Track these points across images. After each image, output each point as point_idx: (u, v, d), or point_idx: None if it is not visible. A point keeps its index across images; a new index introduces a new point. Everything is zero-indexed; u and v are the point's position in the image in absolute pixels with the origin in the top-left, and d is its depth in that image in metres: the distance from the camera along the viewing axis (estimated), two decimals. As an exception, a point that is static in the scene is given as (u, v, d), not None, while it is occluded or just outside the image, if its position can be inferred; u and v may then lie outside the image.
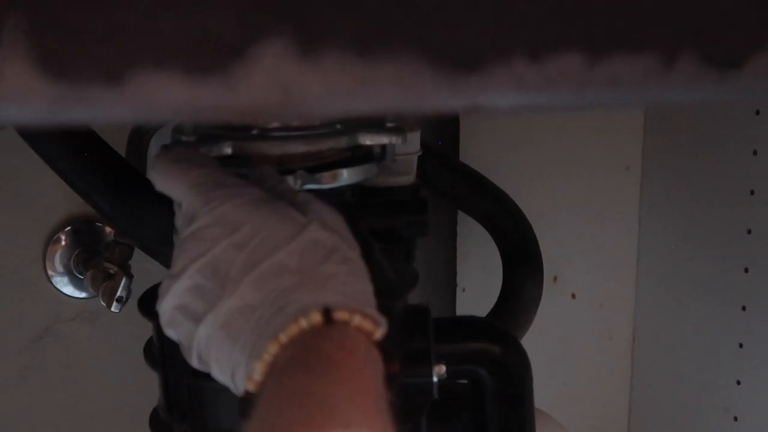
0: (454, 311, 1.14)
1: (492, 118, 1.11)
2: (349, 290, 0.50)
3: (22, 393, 1.03)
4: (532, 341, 1.06)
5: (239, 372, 0.49)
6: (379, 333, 0.49)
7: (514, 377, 0.74)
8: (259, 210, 0.52)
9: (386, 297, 0.66)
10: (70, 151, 0.71)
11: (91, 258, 0.99)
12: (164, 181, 0.55)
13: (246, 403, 0.47)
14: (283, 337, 0.47)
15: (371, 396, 0.45)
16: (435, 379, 0.69)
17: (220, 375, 0.51)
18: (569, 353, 1.23)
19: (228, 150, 0.61)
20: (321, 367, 0.44)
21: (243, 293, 0.50)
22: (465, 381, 0.77)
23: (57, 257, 1.02)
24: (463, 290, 1.15)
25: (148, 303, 0.66)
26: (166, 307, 0.52)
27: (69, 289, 1.03)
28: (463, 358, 0.73)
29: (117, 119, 0.32)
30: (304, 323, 0.47)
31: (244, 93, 0.32)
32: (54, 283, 1.02)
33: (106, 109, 0.31)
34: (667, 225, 1.18)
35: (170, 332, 0.53)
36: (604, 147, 1.17)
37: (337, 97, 0.33)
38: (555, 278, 1.19)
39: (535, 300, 0.98)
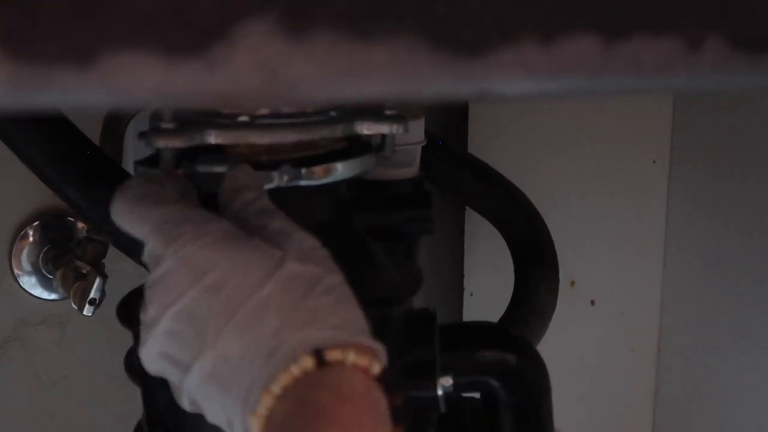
0: (461, 317, 1.14)
1: (502, 105, 1.11)
2: (337, 322, 0.51)
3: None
4: (546, 352, 1.06)
5: (237, 425, 0.51)
6: (378, 367, 0.50)
7: (531, 388, 0.74)
8: (228, 248, 0.52)
9: (388, 302, 0.67)
10: (39, 138, 0.71)
11: (62, 255, 0.99)
12: (125, 222, 0.55)
13: None
14: (276, 389, 0.49)
15: None
16: (440, 392, 0.69)
17: (215, 421, 0.52)
18: (588, 366, 1.23)
19: (211, 139, 0.61)
20: (319, 423, 0.46)
21: (225, 342, 0.51)
22: (476, 394, 0.77)
23: (24, 255, 1.02)
24: (471, 294, 1.15)
25: (128, 309, 0.66)
26: (148, 354, 0.53)
27: (37, 290, 1.03)
28: (474, 369, 0.73)
29: (86, 104, 0.32)
30: (295, 370, 0.49)
31: (226, 76, 0.32)
32: (20, 283, 1.02)
33: (75, 93, 0.31)
34: (696, 224, 1.18)
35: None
36: (628, 138, 1.17)
37: (327, 81, 0.33)
38: (572, 283, 1.19)
39: (550, 306, 0.98)
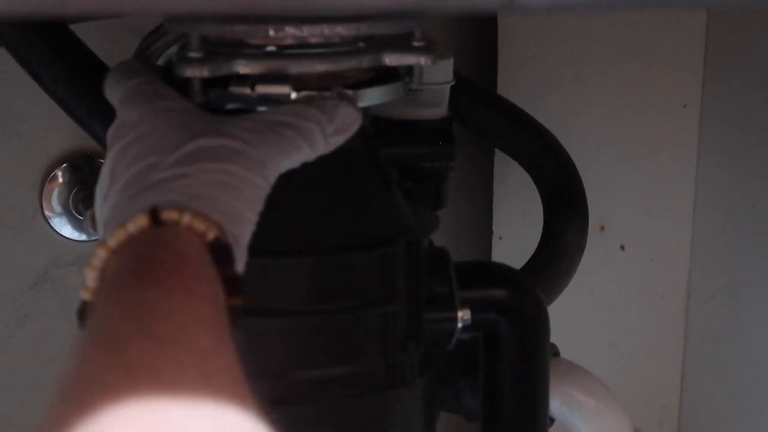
0: (490, 260, 1.14)
1: (533, 46, 1.10)
2: (194, 192, 0.53)
3: (18, 342, 1.04)
4: (575, 298, 1.06)
5: None
6: (212, 234, 0.51)
7: (535, 329, 0.75)
8: (161, 117, 0.57)
9: (402, 236, 0.67)
10: (67, 73, 0.71)
11: (91, 196, 0.98)
12: (107, 93, 0.63)
13: (82, 312, 0.50)
14: (111, 242, 0.50)
15: (208, 303, 0.46)
16: (459, 324, 0.69)
17: None
18: (617, 312, 1.22)
19: (239, 68, 0.61)
20: (152, 274, 0.46)
21: (114, 196, 0.55)
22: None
23: (54, 196, 1.03)
24: (500, 238, 1.14)
25: None
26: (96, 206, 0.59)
27: (67, 231, 1.03)
28: (483, 306, 0.73)
29: (109, 10, 0.32)
30: (131, 227, 0.50)
31: (251, -20, 0.32)
32: (51, 225, 1.03)
33: (99, -3, 0.31)
34: (727, 169, 1.17)
35: None
36: (658, 82, 1.16)
37: (353, -12, 0.33)
38: (602, 228, 1.18)
39: (579, 248, 0.98)
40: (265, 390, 0.66)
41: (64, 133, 1.00)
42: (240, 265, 0.54)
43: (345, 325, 0.67)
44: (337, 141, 0.61)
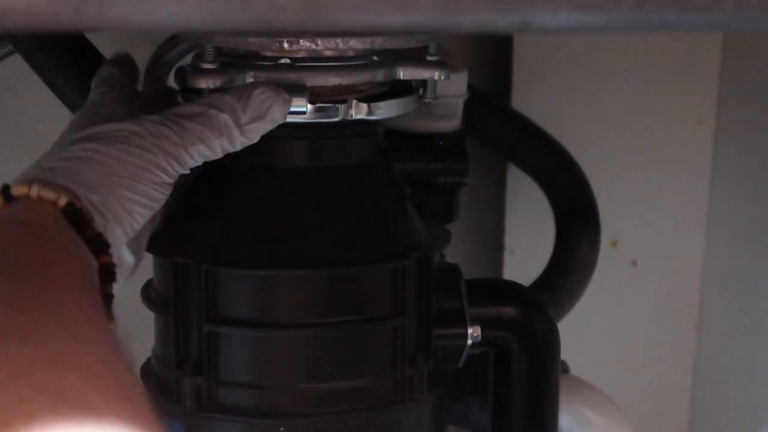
0: (501, 275, 1.14)
1: (547, 60, 1.10)
2: (50, 166, 0.56)
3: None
4: (586, 313, 1.06)
5: None
6: (64, 200, 0.53)
7: (546, 348, 0.74)
8: (91, 114, 0.62)
9: (413, 251, 0.67)
10: (83, 82, 0.72)
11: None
12: None
13: None
14: None
15: (65, 270, 0.47)
16: (469, 341, 0.69)
17: None
18: (628, 328, 1.22)
19: (251, 80, 0.61)
20: (9, 247, 0.47)
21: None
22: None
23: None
24: (512, 252, 1.14)
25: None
26: None
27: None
28: (493, 323, 0.73)
29: (124, 25, 0.32)
30: None
31: (265, -2, 0.32)
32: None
33: (113, 12, 0.31)
34: (741, 186, 1.17)
35: None
36: (673, 98, 1.16)
37: (367, 7, 0.33)
38: (614, 243, 1.18)
39: (591, 263, 0.98)
40: (275, 403, 0.66)
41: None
42: (113, 235, 0.56)
43: (355, 338, 0.67)
44: (259, 128, 0.60)
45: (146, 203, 0.58)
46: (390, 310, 0.67)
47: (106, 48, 0.76)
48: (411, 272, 0.67)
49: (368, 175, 0.68)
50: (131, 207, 0.57)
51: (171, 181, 0.59)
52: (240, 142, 0.60)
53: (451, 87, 0.85)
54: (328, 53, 0.62)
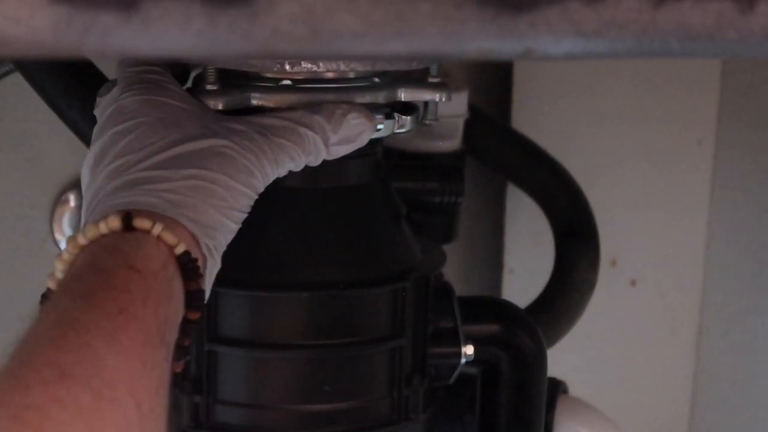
0: (500, 294, 1.14)
1: (548, 80, 1.10)
2: (173, 198, 0.52)
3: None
4: (585, 332, 1.06)
5: None
6: (181, 248, 0.51)
7: (534, 366, 0.75)
8: (158, 106, 0.57)
9: (410, 271, 0.67)
10: (82, 100, 0.72)
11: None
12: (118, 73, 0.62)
13: (44, 301, 0.51)
14: (82, 239, 0.50)
15: (144, 331, 0.46)
16: (463, 360, 0.70)
17: None
18: (627, 347, 1.22)
19: (253, 101, 0.61)
20: (96, 292, 0.46)
21: (98, 181, 0.55)
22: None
23: (65, 219, 1.03)
24: (511, 271, 1.14)
25: None
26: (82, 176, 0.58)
27: (77, 255, 1.04)
28: (482, 341, 0.73)
29: (129, 51, 0.32)
30: (103, 227, 0.50)
31: (269, 25, 0.32)
32: (61, 247, 1.03)
33: (117, 39, 0.31)
34: (741, 205, 1.17)
35: None
36: (673, 117, 1.16)
37: (370, 34, 0.33)
38: (613, 262, 1.18)
39: (590, 283, 0.98)
40: (272, 423, 0.66)
41: (75, 156, 1.00)
42: (211, 275, 0.54)
43: (353, 360, 0.67)
44: (344, 150, 0.60)
45: (237, 228, 0.57)
46: (388, 331, 0.67)
47: (108, 67, 0.76)
48: (410, 294, 0.67)
49: (366, 196, 0.68)
50: (229, 237, 0.56)
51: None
52: (323, 158, 0.60)
53: (452, 107, 0.86)
54: (329, 75, 0.62)
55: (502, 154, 1.01)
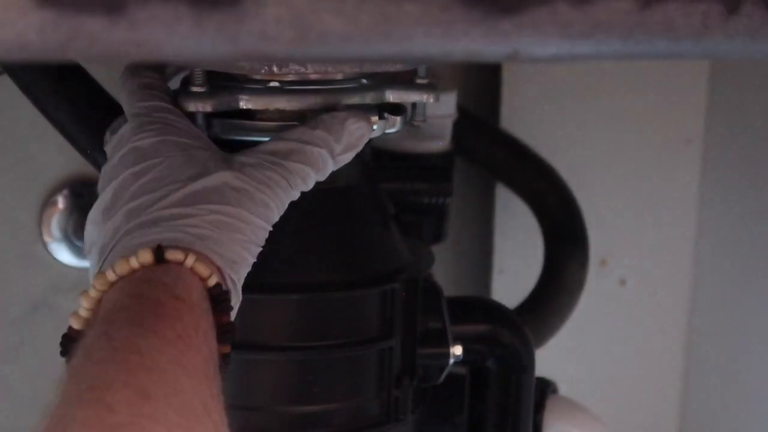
0: (489, 295, 1.14)
1: (537, 80, 1.10)
2: (199, 233, 0.52)
3: (15, 368, 1.04)
4: (575, 332, 1.06)
5: None
6: (214, 280, 0.51)
7: (522, 366, 0.75)
8: (173, 147, 0.57)
9: (399, 273, 0.67)
10: (69, 101, 0.71)
11: (91, 223, 1.00)
12: (123, 100, 0.62)
13: (68, 340, 0.50)
14: (112, 274, 0.49)
15: (201, 355, 0.46)
16: (451, 361, 0.70)
17: None
18: (616, 346, 1.22)
19: (241, 104, 0.61)
20: (150, 319, 0.46)
21: (116, 221, 0.54)
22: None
23: (53, 222, 1.02)
24: (501, 272, 1.14)
25: None
26: (88, 218, 0.57)
27: (66, 257, 1.03)
28: (471, 341, 0.73)
29: (115, 54, 0.32)
30: (134, 261, 0.49)
31: (256, 28, 0.32)
32: (50, 251, 1.03)
33: (104, 43, 0.31)
34: (730, 205, 1.17)
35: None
36: (662, 117, 1.16)
37: (357, 36, 0.33)
38: (603, 262, 1.18)
39: (579, 283, 0.98)
40: (263, 424, 0.66)
41: (64, 158, 1.00)
42: (235, 308, 0.54)
43: (343, 361, 0.67)
44: (348, 157, 0.60)
45: (253, 261, 0.57)
46: (377, 332, 0.67)
47: (95, 69, 0.76)
48: (398, 295, 0.67)
49: (355, 198, 0.68)
50: (246, 271, 0.56)
51: None
52: (331, 170, 0.60)
53: (440, 108, 0.86)
54: (317, 76, 0.62)
55: (491, 154, 1.01)
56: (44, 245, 1.03)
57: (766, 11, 0.37)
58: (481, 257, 1.16)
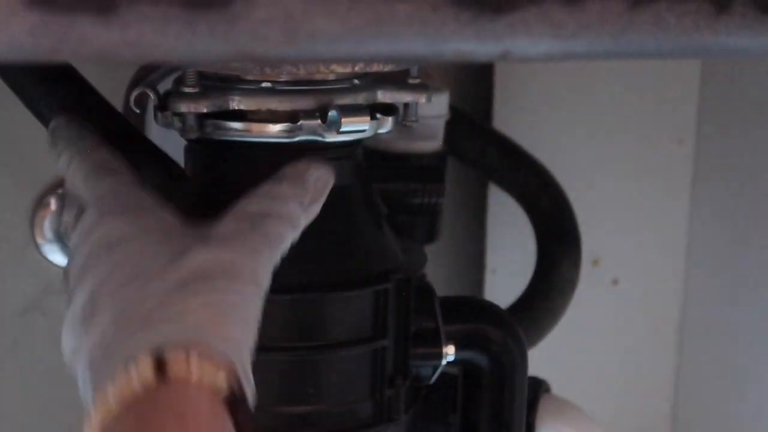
0: (482, 294, 1.14)
1: (529, 80, 1.10)
2: (196, 322, 0.49)
3: (7, 371, 1.04)
4: (567, 331, 1.06)
5: None
6: (223, 381, 0.48)
7: (515, 366, 0.75)
8: (143, 230, 0.53)
9: (392, 274, 0.67)
10: (62, 102, 0.71)
11: (84, 224, 1.00)
12: (77, 185, 0.59)
13: None
14: (111, 398, 0.47)
15: None
16: (443, 362, 0.70)
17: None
18: (609, 346, 1.22)
19: (233, 104, 0.61)
20: None
21: (101, 323, 0.50)
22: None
23: (46, 223, 1.02)
24: (493, 272, 1.15)
25: None
26: (64, 335, 0.54)
27: (59, 258, 1.03)
28: (463, 341, 0.73)
29: (106, 55, 0.32)
30: (134, 377, 0.46)
31: (247, 29, 0.32)
32: (42, 252, 1.03)
33: (95, 43, 0.31)
34: (722, 205, 1.17)
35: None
36: (653, 117, 1.17)
37: (348, 37, 0.33)
38: (595, 261, 1.18)
39: (572, 282, 0.98)
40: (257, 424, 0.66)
41: (55, 159, 1.00)
42: (251, 399, 0.52)
43: (335, 361, 0.67)
44: (316, 209, 0.59)
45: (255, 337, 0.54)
46: (370, 332, 0.67)
47: (87, 68, 0.76)
48: (391, 296, 0.67)
49: (348, 198, 0.68)
50: (250, 351, 0.53)
51: None
52: (303, 226, 0.58)
53: (433, 108, 0.86)
54: (309, 77, 0.62)
55: (484, 154, 1.01)
56: (36, 246, 1.03)
57: (755, 10, 0.37)
58: (473, 257, 1.16)
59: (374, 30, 0.33)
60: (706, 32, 0.37)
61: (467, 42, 0.35)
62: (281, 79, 0.62)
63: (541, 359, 0.87)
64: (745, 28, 0.38)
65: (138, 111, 0.66)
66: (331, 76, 0.63)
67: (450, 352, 0.71)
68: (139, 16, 0.31)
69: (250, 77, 0.62)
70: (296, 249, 0.66)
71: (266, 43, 0.33)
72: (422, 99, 0.66)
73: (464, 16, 0.34)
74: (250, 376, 0.52)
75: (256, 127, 0.62)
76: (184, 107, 0.60)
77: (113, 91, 0.76)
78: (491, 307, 0.78)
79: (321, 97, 0.62)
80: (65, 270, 0.56)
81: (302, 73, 0.62)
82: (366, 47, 0.34)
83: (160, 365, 0.47)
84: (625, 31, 0.37)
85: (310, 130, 0.62)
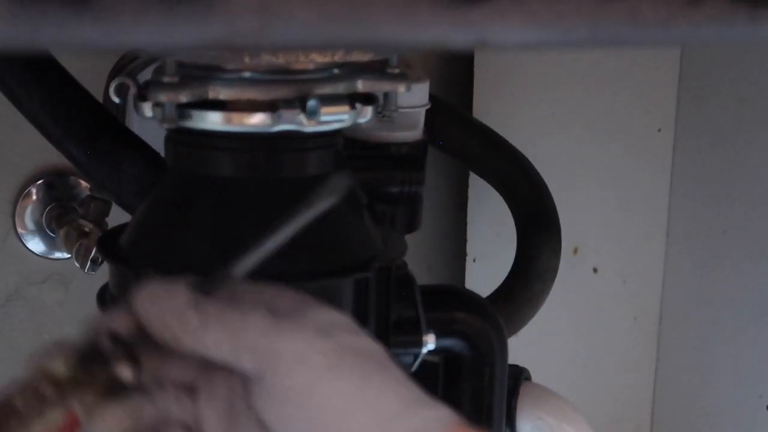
0: (463, 283, 1.14)
1: (509, 70, 1.10)
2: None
3: (-12, 359, 1.03)
4: (548, 320, 1.07)
5: None
6: None
7: (495, 354, 0.75)
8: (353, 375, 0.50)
9: (372, 263, 0.67)
10: (41, 92, 0.71)
11: (65, 214, 0.99)
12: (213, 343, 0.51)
13: None
14: None
15: None
16: (424, 350, 0.70)
17: None
18: (589, 334, 1.23)
19: (213, 94, 0.61)
20: None
21: None
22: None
23: (27, 213, 1.02)
24: (474, 260, 1.15)
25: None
26: None
27: (40, 249, 1.03)
28: (444, 330, 0.74)
29: (82, 44, 0.32)
30: None
31: (224, 17, 0.32)
32: (24, 242, 1.03)
33: (71, 33, 0.31)
34: (700, 193, 1.18)
35: None
36: (633, 106, 1.17)
37: (324, 25, 0.33)
38: (575, 250, 1.19)
39: (552, 270, 0.98)
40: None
41: (38, 150, 1.00)
42: None
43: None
44: None
45: None
46: (351, 321, 0.67)
47: (67, 58, 0.76)
48: (372, 284, 0.67)
49: None
50: None
51: None
52: None
53: (413, 97, 0.85)
54: (289, 66, 0.62)
55: (464, 143, 1.01)
56: (18, 236, 1.02)
57: (727, 1, 0.38)
58: (454, 246, 1.17)
59: (350, 18, 0.33)
60: (681, 22, 0.37)
61: (443, 30, 0.35)
62: (261, 69, 0.62)
63: (522, 347, 0.87)
64: (719, 17, 0.38)
65: (118, 101, 0.65)
66: (311, 66, 0.63)
67: (430, 340, 0.71)
68: (115, 3, 0.31)
69: (229, 67, 0.62)
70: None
71: (243, 31, 0.33)
72: (402, 88, 0.66)
73: (440, 4, 0.34)
74: None
75: (235, 116, 0.62)
76: (163, 97, 0.60)
77: (93, 81, 0.76)
78: (471, 296, 0.78)
79: (300, 86, 0.62)
80: None
81: (281, 62, 0.61)
82: (342, 35, 0.34)
83: None
84: (600, 20, 0.37)
85: (289, 120, 0.62)
